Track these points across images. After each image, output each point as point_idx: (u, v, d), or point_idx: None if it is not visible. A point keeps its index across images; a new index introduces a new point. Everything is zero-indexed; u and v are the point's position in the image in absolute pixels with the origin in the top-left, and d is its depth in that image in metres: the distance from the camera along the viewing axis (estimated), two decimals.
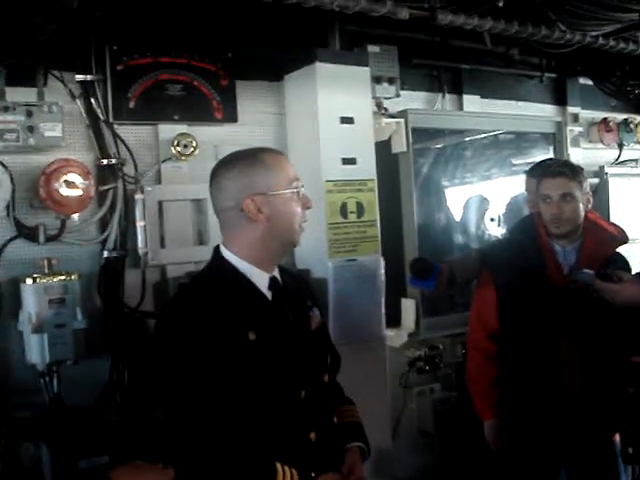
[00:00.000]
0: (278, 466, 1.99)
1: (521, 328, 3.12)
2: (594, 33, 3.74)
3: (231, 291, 2.06)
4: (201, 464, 1.95)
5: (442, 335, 4.17)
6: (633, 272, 3.07)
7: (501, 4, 3.35)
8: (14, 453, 3.08)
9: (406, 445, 4.14)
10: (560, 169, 3.12)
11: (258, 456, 1.99)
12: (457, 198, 4.74)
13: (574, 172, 3.11)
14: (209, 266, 2.18)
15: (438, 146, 4.67)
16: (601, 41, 3.80)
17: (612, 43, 3.84)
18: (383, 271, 3.73)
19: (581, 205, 3.09)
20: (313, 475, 2.07)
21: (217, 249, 2.16)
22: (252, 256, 2.10)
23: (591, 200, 3.19)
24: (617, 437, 3.14)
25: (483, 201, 4.78)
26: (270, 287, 2.12)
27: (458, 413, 4.04)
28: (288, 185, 2.10)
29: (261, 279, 2.11)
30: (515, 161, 4.95)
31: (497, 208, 4.70)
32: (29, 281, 3.03)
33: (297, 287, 2.27)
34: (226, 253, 2.12)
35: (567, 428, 3.02)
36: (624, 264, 3.12)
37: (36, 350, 2.99)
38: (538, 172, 3.48)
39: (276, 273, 2.17)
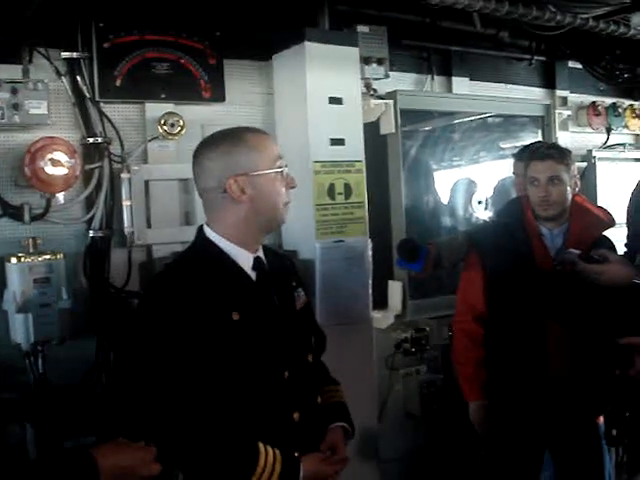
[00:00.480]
0: (261, 446, 1.99)
1: (508, 310, 3.13)
2: (584, 15, 3.73)
3: (214, 271, 2.05)
4: (183, 444, 1.95)
5: (429, 317, 4.17)
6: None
7: None
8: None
9: (392, 427, 4.15)
10: (548, 152, 3.12)
11: (240, 436, 1.99)
12: (445, 181, 4.74)
13: (562, 155, 3.11)
14: (192, 246, 2.17)
15: (427, 128, 4.66)
16: (591, 23, 3.79)
17: (602, 25, 3.84)
18: (370, 253, 3.72)
19: (568, 188, 3.10)
20: (296, 455, 2.07)
21: (200, 229, 2.16)
22: (236, 236, 2.09)
23: (578, 183, 3.20)
24: (601, 419, 3.16)
25: (470, 184, 4.78)
26: (254, 267, 2.12)
27: (444, 395, 4.05)
28: (271, 165, 2.09)
29: (245, 259, 2.10)
30: (503, 144, 4.95)
31: (485, 191, 4.70)
32: (14, 260, 3.00)
33: (282, 267, 2.27)
34: (210, 233, 2.11)
35: (552, 410, 3.04)
36: (611, 247, 3.12)
37: (21, 330, 2.97)
38: (526, 155, 3.49)
39: (260, 253, 2.17)
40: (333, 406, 2.34)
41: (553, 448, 3.21)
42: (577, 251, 2.88)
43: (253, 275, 2.11)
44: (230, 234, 2.09)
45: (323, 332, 2.45)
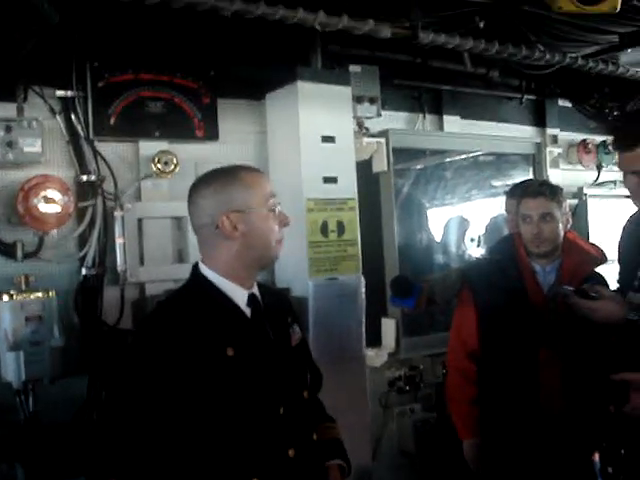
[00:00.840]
0: None
1: (501, 347, 3.12)
2: (574, 54, 3.79)
3: (208, 307, 2.04)
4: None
5: (422, 355, 4.17)
6: None
7: (482, 25, 3.39)
8: None
9: (387, 465, 4.12)
10: (540, 189, 3.15)
11: (234, 472, 1.97)
12: (437, 218, 4.77)
13: (553, 192, 3.13)
14: (187, 283, 2.16)
15: (419, 167, 4.69)
16: (580, 62, 3.85)
17: (591, 64, 3.90)
18: (364, 290, 3.73)
19: (560, 225, 3.11)
20: None
21: (196, 266, 2.15)
22: (229, 273, 2.08)
23: (570, 220, 3.21)
24: (597, 456, 3.14)
25: (463, 221, 4.81)
26: (249, 304, 2.11)
27: (439, 433, 4.02)
28: (264, 203, 2.09)
29: (240, 296, 2.09)
30: (495, 182, 4.99)
31: (477, 229, 4.73)
32: (5, 297, 2.98)
33: (277, 303, 2.26)
34: (204, 270, 2.10)
35: (547, 447, 3.01)
36: (603, 283, 3.12)
37: (12, 368, 2.94)
38: (518, 192, 3.51)
39: (255, 290, 2.15)
40: (329, 443, 2.32)
41: None
42: (571, 288, 2.88)
43: (248, 311, 2.10)
44: (224, 270, 2.08)
45: (319, 369, 2.44)
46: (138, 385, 1.95)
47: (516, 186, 3.77)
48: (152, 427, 1.92)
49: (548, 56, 3.73)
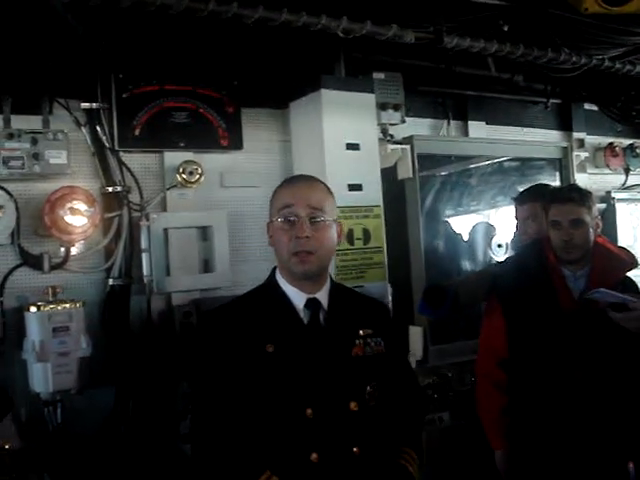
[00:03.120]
0: (267, 472, 2.02)
1: (531, 355, 3.07)
2: (600, 56, 3.74)
3: (265, 306, 2.19)
4: (198, 456, 2.11)
5: (451, 363, 4.12)
6: None
7: (506, 28, 3.35)
8: None
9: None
10: (569, 195, 3.09)
11: (248, 457, 2.05)
12: (463, 225, 4.73)
13: (583, 197, 3.08)
14: (262, 284, 2.30)
15: (444, 173, 4.67)
16: (607, 63, 3.80)
17: (618, 66, 3.85)
18: (390, 298, 3.69)
19: (591, 230, 3.06)
20: None
21: (273, 269, 2.28)
22: (285, 277, 2.21)
23: (600, 224, 3.16)
24: (631, 465, 3.07)
25: (489, 228, 4.76)
26: (307, 306, 2.18)
27: (468, 443, 3.97)
28: (277, 214, 2.18)
29: (298, 299, 2.18)
30: (521, 188, 4.93)
31: (504, 235, 4.68)
32: (33, 309, 3.00)
33: (351, 312, 2.25)
34: (277, 273, 2.25)
35: (580, 457, 2.96)
36: (634, 288, 3.08)
37: (40, 379, 2.96)
38: (528, 198, 3.53)
39: (320, 295, 2.21)
40: (392, 466, 2.21)
41: None
42: (606, 291, 2.83)
43: (306, 314, 2.18)
44: (282, 274, 2.23)
45: (420, 395, 2.48)
46: (196, 363, 2.21)
47: (525, 192, 3.71)
48: (200, 398, 2.18)
49: (574, 58, 3.68)
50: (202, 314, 2.33)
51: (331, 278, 2.30)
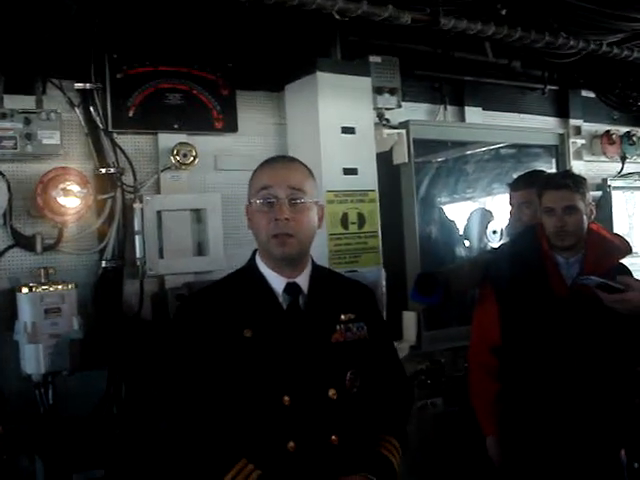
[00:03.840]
0: (243, 460, 1.98)
1: (523, 341, 3.06)
2: (597, 41, 3.72)
3: (243, 290, 2.13)
4: (172, 445, 2.10)
5: (444, 348, 4.12)
6: None
7: (504, 12, 3.33)
8: (8, 466, 3.04)
9: (406, 460, 4.06)
10: (563, 181, 3.07)
11: (224, 443, 2.01)
12: (458, 211, 4.73)
13: (577, 183, 3.06)
14: (241, 267, 2.25)
15: (439, 159, 4.65)
16: (605, 48, 3.78)
17: (616, 51, 3.83)
18: (384, 283, 3.69)
19: (585, 217, 3.05)
20: None
21: (253, 252, 2.23)
22: (264, 261, 2.16)
23: (594, 211, 3.14)
24: (623, 452, 3.08)
25: (485, 213, 4.75)
26: (286, 291, 2.13)
27: (461, 428, 3.98)
28: (255, 195, 2.12)
29: (277, 283, 2.13)
30: (516, 175, 4.92)
31: (499, 222, 4.67)
32: (25, 290, 2.98)
33: (333, 296, 2.20)
34: (257, 256, 2.20)
35: (572, 443, 2.96)
36: (628, 275, 3.07)
37: (31, 360, 2.94)
38: (523, 184, 3.50)
39: (300, 279, 2.15)
40: (372, 454, 2.14)
41: None
42: (598, 279, 2.82)
43: (285, 298, 2.13)
44: (261, 258, 2.17)
45: (406, 382, 2.41)
46: (169, 350, 2.17)
47: (519, 178, 3.68)
48: (173, 384, 2.12)
49: (572, 42, 3.66)
50: (186, 297, 2.29)
51: (312, 261, 2.24)
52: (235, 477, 1.95)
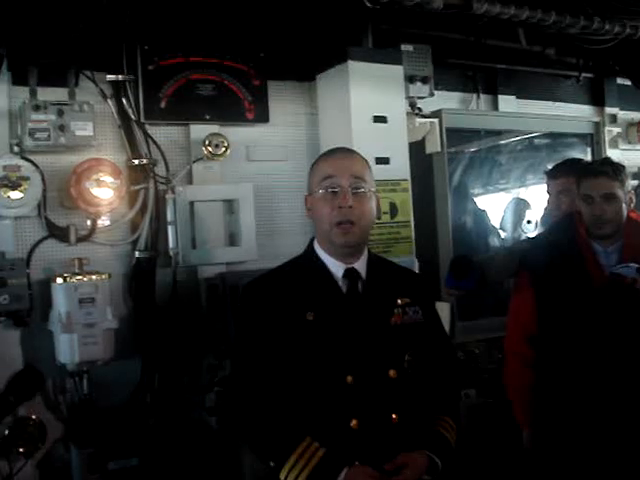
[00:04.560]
0: (308, 438, 2.03)
1: (560, 331, 3.02)
2: (633, 25, 3.64)
3: (304, 275, 2.21)
4: (240, 424, 2.19)
5: (478, 339, 4.08)
6: None
7: None
8: (45, 455, 3.07)
9: None
10: (601, 168, 3.01)
11: (289, 420, 2.07)
12: (491, 202, 4.68)
13: (616, 171, 3.00)
14: (300, 254, 2.32)
15: (472, 149, 4.61)
16: None
17: None
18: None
19: (624, 205, 2.99)
20: (357, 464, 2.04)
21: (311, 240, 2.31)
22: (324, 248, 2.23)
23: (633, 199, 3.08)
24: None
25: (521, 203, 4.71)
26: (345, 276, 2.19)
27: (495, 420, 3.93)
28: (318, 185, 2.18)
29: (336, 268, 2.20)
30: (551, 166, 4.85)
31: (534, 212, 4.62)
32: (59, 280, 3.00)
33: (390, 282, 2.27)
34: (315, 243, 2.27)
35: (610, 437, 2.91)
36: None
37: (66, 350, 2.96)
38: (561, 172, 3.44)
39: (358, 265, 2.21)
40: (430, 433, 2.20)
41: (611, 477, 3.06)
42: (636, 265, 2.77)
43: (345, 283, 2.19)
44: (320, 245, 2.24)
45: (458, 364, 2.54)
46: (238, 330, 2.27)
47: (557, 166, 3.62)
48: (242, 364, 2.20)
49: (607, 27, 3.59)
50: (244, 285, 2.34)
51: (369, 249, 2.31)
52: (301, 456, 2.01)
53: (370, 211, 2.19)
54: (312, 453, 2.02)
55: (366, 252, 2.27)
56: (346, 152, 2.29)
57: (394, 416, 2.12)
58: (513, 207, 4.63)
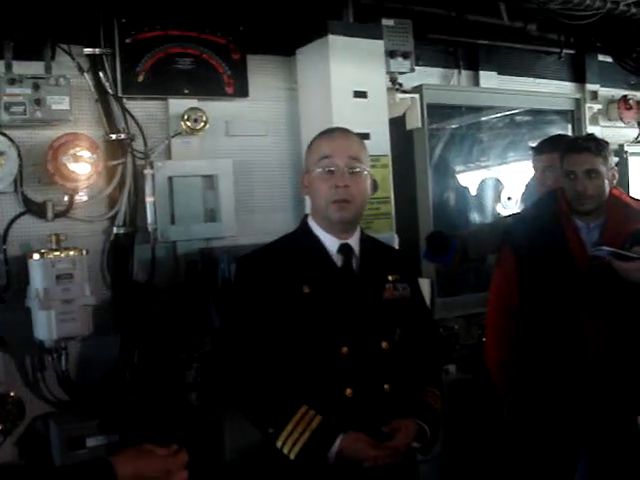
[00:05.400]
0: (304, 406, 2.10)
1: (543, 306, 3.03)
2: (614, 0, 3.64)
3: (300, 249, 2.30)
4: (236, 394, 2.25)
5: (457, 315, 4.10)
6: None
7: None
8: (24, 432, 3.05)
9: None
10: (585, 144, 3.01)
11: (286, 389, 2.15)
12: (472, 179, 4.68)
13: (599, 147, 3.00)
14: (294, 230, 2.41)
15: (453, 126, 4.60)
16: (622, 7, 3.70)
17: (633, 10, 3.74)
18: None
19: (606, 181, 3.00)
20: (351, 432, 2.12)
21: (305, 216, 2.40)
22: (319, 224, 2.31)
23: (616, 175, 3.08)
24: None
25: (497, 183, 4.71)
26: (340, 251, 2.28)
27: (474, 395, 3.96)
28: (315, 164, 2.26)
29: (331, 243, 2.28)
30: (532, 143, 4.86)
31: (513, 190, 4.63)
32: (36, 256, 2.95)
33: (383, 259, 2.37)
34: (309, 219, 2.36)
35: (589, 408, 2.94)
36: None
37: (43, 326, 2.93)
38: (547, 148, 3.40)
39: (352, 241, 2.30)
40: (419, 403, 2.29)
41: (589, 448, 3.10)
42: (609, 249, 2.78)
43: (339, 258, 2.27)
44: (316, 221, 2.32)
45: (441, 338, 2.67)
46: (234, 303, 2.33)
47: (544, 142, 3.61)
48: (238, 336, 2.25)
49: (588, 1, 3.58)
50: (239, 259, 2.43)
51: (360, 228, 2.39)
52: (299, 422, 2.09)
53: (365, 190, 2.28)
54: (309, 420, 2.09)
55: (359, 229, 2.36)
56: (344, 132, 2.36)
57: (386, 386, 2.22)
58: (490, 186, 4.63)
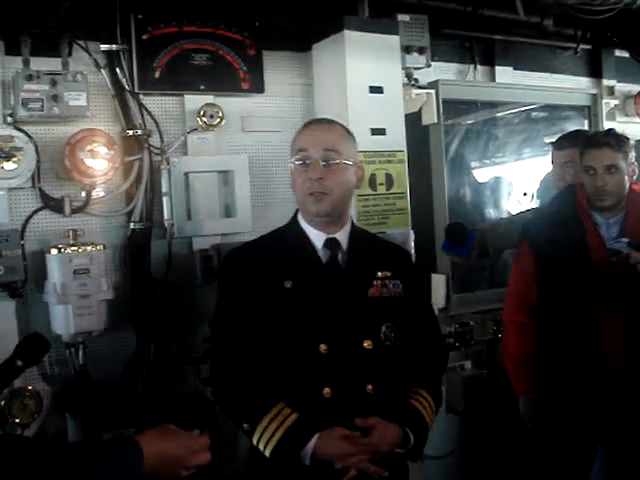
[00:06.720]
0: (280, 403, 2.09)
1: (561, 301, 3.03)
2: None
3: (285, 244, 2.28)
4: (214, 387, 2.29)
5: (473, 311, 4.09)
6: None
7: None
8: (40, 426, 3.07)
9: (435, 423, 4.06)
10: (605, 139, 3.00)
11: (262, 385, 2.13)
12: (487, 176, 4.67)
13: (619, 142, 2.99)
14: (286, 224, 2.39)
15: (469, 122, 4.58)
16: (639, 2, 3.67)
17: None
18: (413, 245, 3.65)
19: (626, 177, 2.98)
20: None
21: (297, 210, 2.36)
22: (305, 218, 2.30)
23: (636, 171, 3.08)
24: None
25: (503, 181, 4.71)
26: (326, 246, 2.25)
27: (489, 391, 3.96)
28: (293, 157, 2.27)
29: (317, 238, 2.26)
30: (548, 139, 4.83)
31: (527, 186, 4.62)
32: (54, 251, 2.98)
33: (370, 254, 2.31)
34: (299, 214, 2.34)
35: (605, 404, 2.93)
36: None
37: (61, 321, 2.95)
38: (566, 143, 3.39)
39: (340, 235, 2.28)
40: (402, 405, 2.23)
41: (607, 445, 3.09)
42: (627, 239, 2.78)
43: (325, 253, 2.25)
44: (302, 215, 2.31)
45: (442, 341, 2.58)
46: (219, 295, 2.33)
47: (564, 137, 3.61)
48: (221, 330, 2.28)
49: None
50: (230, 250, 2.43)
51: (352, 222, 2.34)
52: (273, 419, 2.06)
53: (344, 182, 2.23)
54: (285, 416, 2.07)
55: (349, 224, 2.33)
56: (323, 123, 2.34)
57: (370, 387, 2.16)
58: (499, 186, 4.63)
